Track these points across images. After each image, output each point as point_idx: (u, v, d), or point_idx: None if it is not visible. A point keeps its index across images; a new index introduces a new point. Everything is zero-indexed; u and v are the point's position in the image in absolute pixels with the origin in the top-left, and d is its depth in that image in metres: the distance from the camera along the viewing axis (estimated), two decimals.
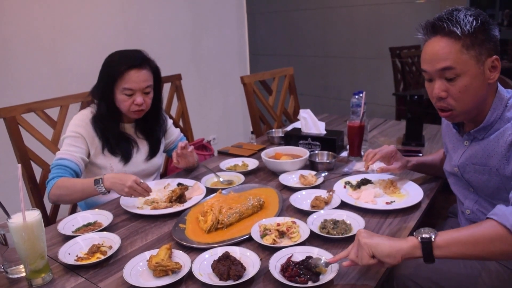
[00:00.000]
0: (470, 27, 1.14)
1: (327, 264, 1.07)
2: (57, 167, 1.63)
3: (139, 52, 1.74)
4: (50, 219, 1.91)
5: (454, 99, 1.21)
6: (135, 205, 1.56)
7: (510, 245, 0.94)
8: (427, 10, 3.59)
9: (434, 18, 1.21)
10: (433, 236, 0.95)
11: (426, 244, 0.95)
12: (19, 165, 1.15)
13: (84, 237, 1.31)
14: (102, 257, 1.20)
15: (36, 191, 1.85)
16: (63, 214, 1.85)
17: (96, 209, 1.52)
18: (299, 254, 1.15)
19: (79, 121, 1.74)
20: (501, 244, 0.94)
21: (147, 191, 1.53)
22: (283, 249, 1.17)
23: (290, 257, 1.14)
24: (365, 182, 1.63)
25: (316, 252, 1.16)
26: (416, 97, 2.14)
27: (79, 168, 1.68)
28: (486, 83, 1.20)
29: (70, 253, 1.23)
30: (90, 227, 1.40)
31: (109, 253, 1.22)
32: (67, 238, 1.32)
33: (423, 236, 0.95)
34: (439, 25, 1.18)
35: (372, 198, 1.51)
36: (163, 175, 2.30)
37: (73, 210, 2.01)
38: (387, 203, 1.48)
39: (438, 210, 1.86)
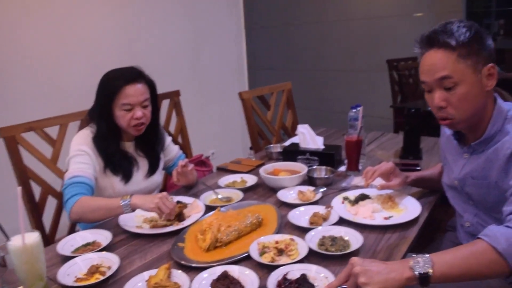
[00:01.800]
0: (464, 38, 1.19)
1: None
2: (72, 185, 1.61)
3: (133, 68, 1.77)
4: (49, 238, 1.91)
5: (454, 108, 1.24)
6: (134, 224, 1.56)
7: (503, 267, 0.96)
8: (424, 24, 3.62)
9: (429, 31, 1.25)
10: (430, 271, 0.95)
11: (424, 279, 0.96)
12: (19, 188, 1.15)
13: (83, 257, 1.31)
14: (101, 278, 1.20)
15: (35, 211, 1.85)
16: (62, 233, 1.85)
17: (95, 228, 1.53)
18: (297, 271, 1.15)
19: (82, 140, 1.73)
20: (495, 267, 0.96)
21: (171, 212, 1.51)
22: (282, 267, 1.17)
23: (286, 274, 1.14)
24: (363, 197, 1.63)
25: (314, 270, 1.16)
26: (413, 110, 2.15)
27: (93, 184, 1.67)
28: (484, 91, 1.23)
29: (69, 274, 1.23)
30: (89, 247, 1.40)
31: (108, 273, 1.22)
32: (66, 258, 1.32)
33: (421, 272, 0.95)
34: (434, 37, 1.23)
35: (370, 213, 1.51)
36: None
37: (71, 229, 2.01)
38: (385, 218, 1.49)
39: (437, 223, 1.85)
